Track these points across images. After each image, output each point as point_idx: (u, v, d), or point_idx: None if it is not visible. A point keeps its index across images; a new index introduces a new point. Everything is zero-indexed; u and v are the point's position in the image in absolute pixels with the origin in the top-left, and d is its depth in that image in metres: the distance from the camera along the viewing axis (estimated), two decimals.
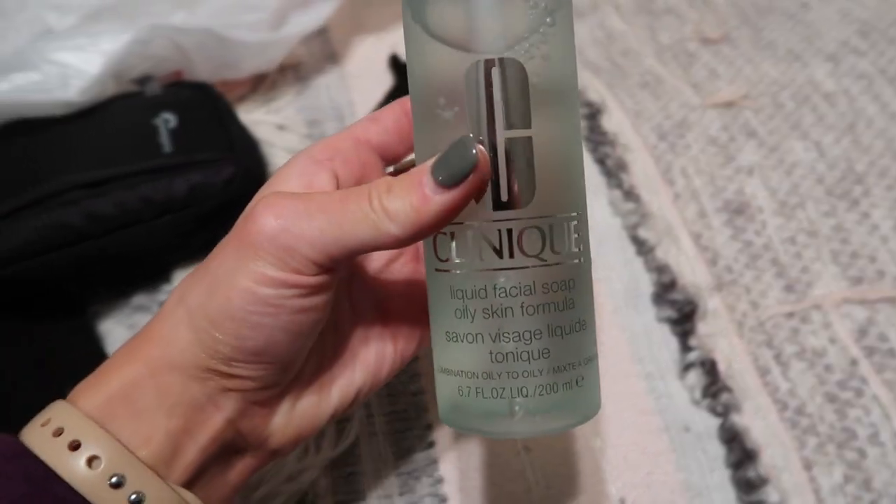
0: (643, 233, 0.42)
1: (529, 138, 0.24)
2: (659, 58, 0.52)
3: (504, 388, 0.24)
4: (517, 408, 0.24)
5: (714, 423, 0.36)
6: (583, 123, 0.47)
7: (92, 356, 0.42)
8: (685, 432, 0.35)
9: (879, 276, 0.39)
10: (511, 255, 0.24)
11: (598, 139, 0.46)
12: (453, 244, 0.25)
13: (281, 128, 0.49)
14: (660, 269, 0.40)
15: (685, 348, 0.38)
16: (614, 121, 0.47)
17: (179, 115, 0.41)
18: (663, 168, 0.45)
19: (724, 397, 0.36)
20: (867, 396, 0.36)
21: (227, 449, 0.26)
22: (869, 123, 0.46)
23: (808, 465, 0.34)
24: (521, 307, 0.24)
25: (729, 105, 0.47)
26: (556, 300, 0.24)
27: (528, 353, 0.24)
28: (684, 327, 0.38)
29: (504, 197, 0.24)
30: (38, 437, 0.23)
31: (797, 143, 0.45)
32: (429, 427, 0.37)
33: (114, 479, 0.23)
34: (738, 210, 0.42)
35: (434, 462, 0.36)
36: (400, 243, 0.24)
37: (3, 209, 0.38)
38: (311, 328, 0.25)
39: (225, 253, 0.25)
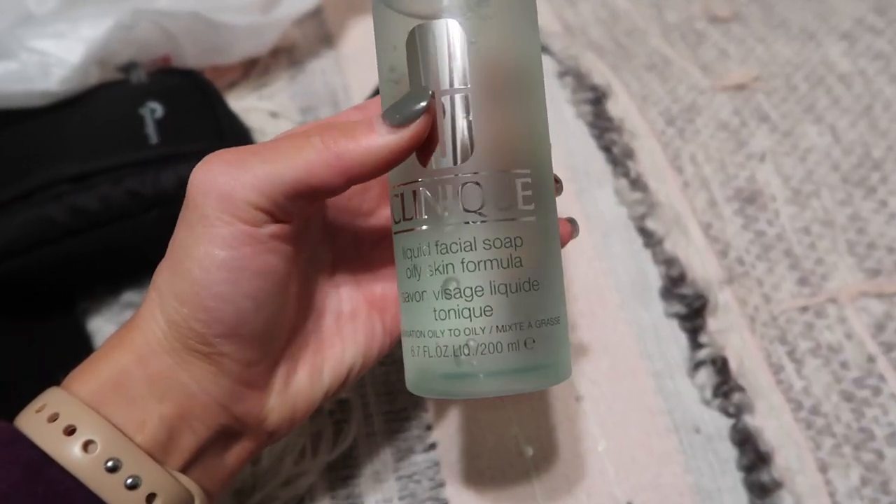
0: (651, 224, 0.40)
1: (466, 95, 0.24)
2: (666, 37, 0.50)
3: (447, 346, 0.24)
4: (462, 366, 0.24)
5: (725, 423, 0.34)
6: (588, 109, 0.45)
7: (81, 354, 0.41)
8: (695, 433, 0.34)
9: None
10: (449, 212, 0.24)
11: (604, 125, 0.44)
12: (403, 205, 0.25)
13: (274, 115, 0.48)
14: (668, 262, 0.39)
15: (695, 345, 0.36)
16: (620, 106, 0.45)
17: (166, 104, 0.40)
18: (671, 155, 0.43)
19: (736, 397, 0.35)
20: (885, 395, 0.34)
21: (223, 433, 0.26)
22: (886, 106, 0.44)
23: (823, 468, 0.33)
24: (462, 263, 0.24)
25: (740, 87, 0.45)
26: (499, 257, 0.24)
27: (468, 309, 0.24)
28: (694, 323, 0.37)
29: (443, 153, 0.24)
30: (33, 423, 0.23)
31: (811, 128, 0.43)
32: (429, 428, 0.36)
33: (110, 464, 0.23)
34: (749, 199, 0.41)
35: (435, 464, 0.35)
36: (339, 182, 0.24)
37: None
38: (275, 292, 0.25)
39: (178, 227, 0.25)
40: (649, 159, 0.43)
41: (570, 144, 0.44)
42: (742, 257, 0.39)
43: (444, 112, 0.24)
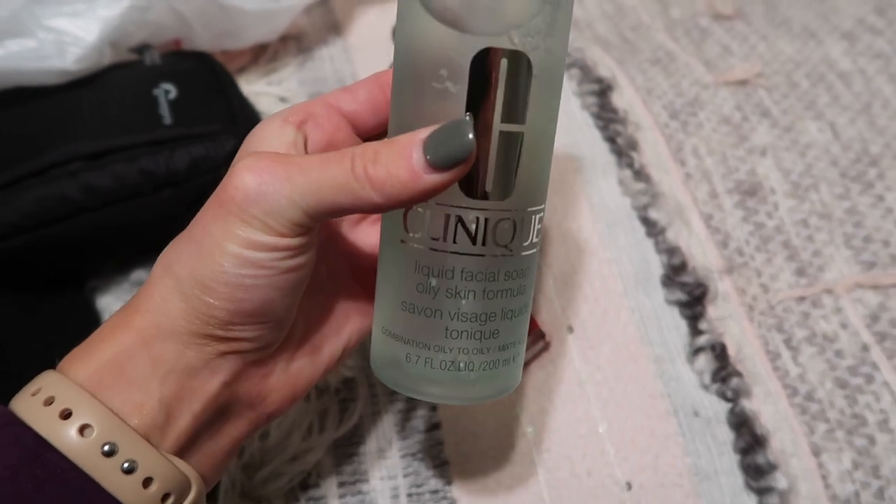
0: (653, 213, 0.41)
1: (521, 134, 0.24)
2: (670, 33, 0.51)
3: (454, 362, 0.25)
4: (461, 379, 0.26)
5: (723, 407, 0.35)
6: (593, 100, 0.46)
7: (89, 332, 0.41)
8: (694, 416, 0.35)
9: (893, 261, 0.39)
10: (483, 244, 0.25)
11: (609, 117, 0.45)
12: (427, 222, 0.25)
13: (283, 100, 0.48)
14: (670, 251, 0.40)
15: (695, 332, 0.37)
16: (625, 98, 0.46)
17: (180, 86, 0.40)
18: (674, 147, 0.44)
19: (734, 382, 0.35)
20: (877, 383, 0.35)
21: (221, 413, 0.26)
22: (885, 104, 0.45)
23: (816, 451, 0.34)
24: (483, 292, 0.25)
25: (742, 83, 0.46)
26: (512, 287, 0.25)
27: (480, 332, 0.25)
28: (694, 310, 0.38)
29: (487, 187, 0.24)
30: (29, 406, 0.23)
31: (811, 124, 0.44)
32: (434, 407, 0.36)
33: (106, 448, 0.23)
34: (750, 191, 0.42)
35: (439, 443, 0.35)
36: (376, 210, 0.24)
37: (1, 180, 0.37)
38: (300, 284, 0.26)
39: (207, 218, 0.24)
40: (653, 151, 0.43)
41: (575, 135, 0.45)
42: (742, 248, 0.40)
43: (497, 148, 0.24)
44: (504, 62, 0.23)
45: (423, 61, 0.24)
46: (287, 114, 0.27)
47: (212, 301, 0.24)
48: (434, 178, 0.23)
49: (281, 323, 0.26)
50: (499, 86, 0.23)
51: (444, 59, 0.23)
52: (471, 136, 0.22)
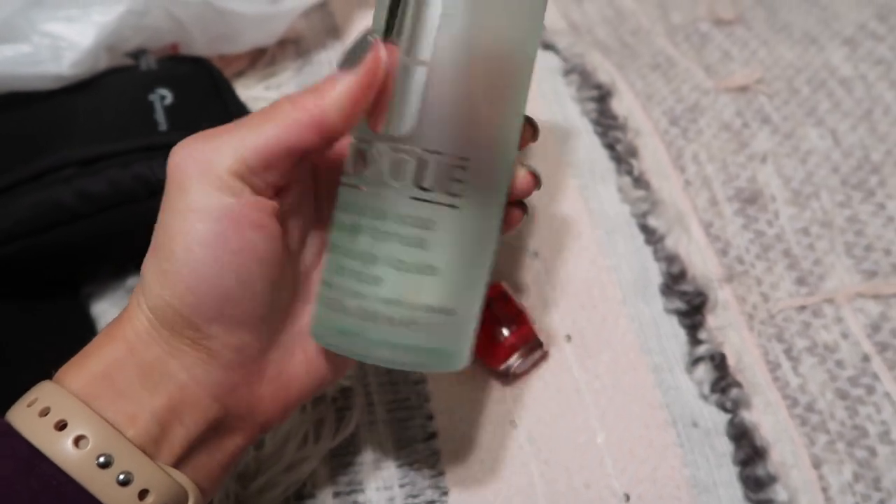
0: (653, 221, 0.41)
1: (423, 69, 0.24)
2: (671, 38, 0.50)
3: (336, 301, 0.25)
4: (344, 325, 0.25)
5: (723, 418, 0.35)
6: (592, 106, 0.46)
7: (85, 338, 0.41)
8: (693, 427, 0.35)
9: (894, 270, 0.38)
10: (371, 175, 0.24)
11: (608, 123, 0.45)
12: (347, 158, 0.26)
13: None
14: (669, 259, 0.39)
15: (694, 341, 0.37)
16: (625, 104, 0.45)
17: (176, 91, 0.40)
18: (674, 154, 0.43)
19: (734, 392, 0.35)
20: (879, 393, 0.35)
21: (214, 428, 0.26)
22: (886, 111, 0.44)
23: (817, 463, 0.33)
24: (370, 228, 0.24)
25: (743, 89, 0.46)
26: (404, 233, 0.24)
27: (363, 274, 0.25)
28: (693, 319, 0.37)
29: (384, 118, 0.24)
30: (25, 417, 0.23)
31: (812, 131, 0.44)
32: (430, 417, 0.36)
33: (101, 459, 0.22)
34: (750, 199, 0.41)
35: (436, 453, 0.35)
36: (316, 134, 0.24)
37: None
38: (260, 271, 0.25)
39: (161, 211, 0.25)
40: (652, 158, 0.43)
41: (574, 141, 0.44)
42: (742, 256, 0.40)
43: (402, 80, 0.24)
44: None
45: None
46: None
47: (169, 294, 0.24)
48: (350, 77, 0.24)
49: (251, 320, 0.25)
50: (404, 15, 0.24)
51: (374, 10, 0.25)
52: (370, 36, 0.24)
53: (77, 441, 0.22)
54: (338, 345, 0.26)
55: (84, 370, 0.24)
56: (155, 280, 0.24)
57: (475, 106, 0.25)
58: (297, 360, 0.28)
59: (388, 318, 0.25)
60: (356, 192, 0.25)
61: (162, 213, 0.25)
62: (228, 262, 0.24)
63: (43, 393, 0.24)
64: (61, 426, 0.23)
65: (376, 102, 0.25)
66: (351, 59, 0.25)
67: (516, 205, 0.28)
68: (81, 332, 0.40)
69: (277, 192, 0.25)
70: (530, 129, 0.28)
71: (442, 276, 0.25)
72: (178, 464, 0.25)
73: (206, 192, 0.23)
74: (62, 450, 0.22)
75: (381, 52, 0.24)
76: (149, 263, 0.25)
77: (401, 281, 0.24)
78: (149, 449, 0.24)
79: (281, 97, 0.25)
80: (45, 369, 0.25)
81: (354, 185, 0.25)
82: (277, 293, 0.26)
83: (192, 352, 0.25)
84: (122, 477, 0.22)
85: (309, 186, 0.28)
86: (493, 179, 0.26)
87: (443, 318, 0.25)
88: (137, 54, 0.42)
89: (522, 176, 0.28)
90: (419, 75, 0.24)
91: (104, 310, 0.41)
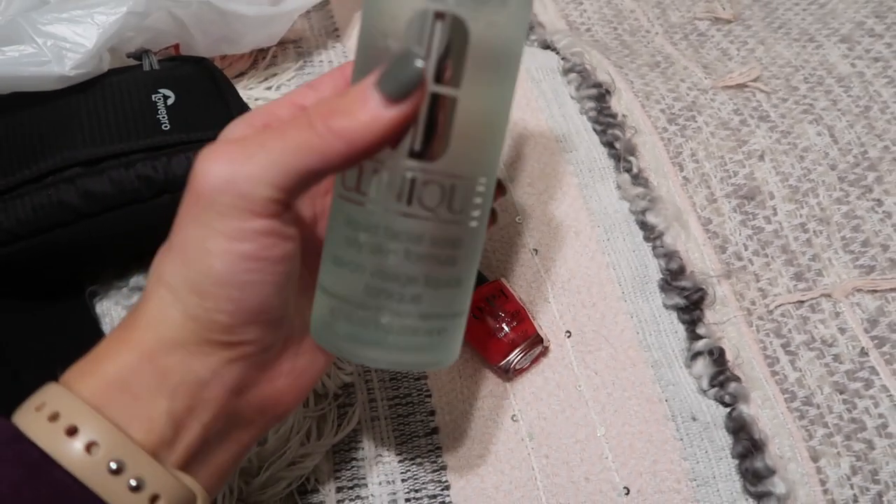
0: (652, 218, 0.41)
1: (455, 98, 0.24)
2: (669, 37, 0.51)
3: (371, 321, 0.25)
4: (379, 342, 0.26)
5: (721, 412, 0.35)
6: (592, 105, 0.46)
7: (89, 336, 0.41)
8: (692, 421, 0.35)
9: (891, 265, 0.38)
10: (409, 203, 0.25)
11: (607, 121, 0.45)
12: (361, 177, 0.25)
13: None
14: (668, 256, 0.40)
15: (693, 336, 0.37)
16: (623, 102, 0.46)
17: (178, 92, 0.40)
18: (673, 152, 0.44)
19: (732, 387, 0.35)
20: (876, 387, 0.35)
21: (230, 422, 0.26)
22: (883, 108, 0.45)
23: (815, 456, 0.34)
24: (405, 252, 0.25)
25: (741, 87, 0.46)
26: (438, 254, 0.25)
27: (401, 294, 0.25)
28: (692, 315, 0.38)
29: (417, 146, 0.24)
30: (33, 421, 0.23)
31: (810, 128, 0.44)
32: (432, 413, 0.36)
33: (113, 465, 0.22)
34: (748, 195, 0.42)
35: (437, 448, 0.35)
36: (346, 163, 0.23)
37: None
38: (291, 275, 0.25)
39: (185, 222, 0.24)
40: (651, 155, 0.43)
41: (573, 140, 0.45)
42: (740, 252, 0.40)
43: (428, 108, 0.24)
44: (437, 24, 0.24)
45: (372, 25, 0.25)
46: (250, 117, 0.27)
47: (210, 306, 0.24)
48: (394, 111, 0.23)
49: (279, 321, 0.26)
50: (431, 45, 0.24)
51: (388, 20, 0.24)
52: (418, 62, 0.23)
53: (88, 447, 0.22)
54: (351, 352, 0.26)
55: (96, 375, 0.24)
56: (190, 291, 0.24)
57: (494, 131, 0.26)
58: (306, 351, 0.28)
59: (424, 330, 0.26)
60: (384, 215, 0.25)
61: (189, 227, 0.24)
62: (270, 274, 0.24)
63: (51, 397, 0.23)
64: (72, 431, 0.22)
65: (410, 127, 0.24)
66: (391, 76, 0.23)
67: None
68: (85, 332, 0.40)
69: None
70: (500, 189, 0.30)
71: (463, 285, 0.27)
72: (190, 463, 0.24)
73: (245, 216, 0.23)
74: (73, 455, 0.22)
75: (428, 83, 0.23)
76: (176, 273, 0.24)
77: (437, 296, 0.26)
78: (161, 452, 0.23)
79: (313, 114, 0.23)
80: (50, 368, 0.25)
81: (382, 210, 0.25)
82: (293, 290, 0.26)
83: (220, 352, 0.25)
84: (133, 482, 0.22)
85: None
86: (492, 192, 0.27)
87: (458, 321, 0.27)
88: (140, 55, 0.42)
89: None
90: (452, 104, 0.24)
91: (108, 308, 0.41)
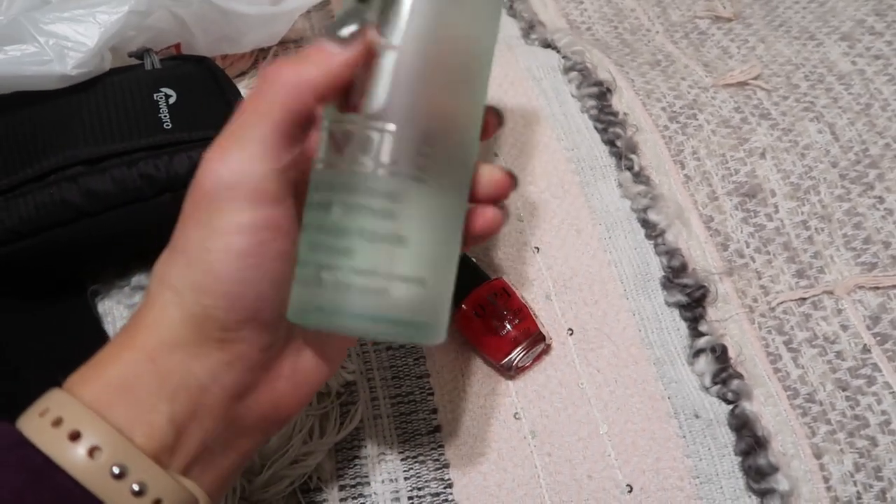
0: (653, 216, 0.41)
1: (395, 51, 0.25)
2: (670, 35, 0.51)
3: (311, 277, 0.25)
4: (321, 301, 0.25)
5: (724, 409, 0.35)
6: (593, 103, 0.46)
7: (91, 336, 0.41)
8: (695, 418, 0.35)
9: (893, 262, 0.38)
10: (341, 154, 0.25)
11: (609, 119, 0.45)
12: (319, 145, 0.26)
13: None
14: (670, 253, 0.40)
15: (695, 333, 0.37)
16: (625, 101, 0.46)
17: (180, 91, 0.40)
18: (674, 150, 0.44)
19: (735, 384, 0.35)
20: (879, 384, 0.35)
21: (232, 428, 0.26)
22: (884, 105, 0.45)
23: (818, 453, 0.34)
24: (340, 203, 0.25)
25: (742, 85, 0.46)
26: (374, 205, 0.25)
27: (335, 247, 0.25)
28: (694, 312, 0.38)
29: (354, 97, 0.25)
30: (37, 426, 0.23)
31: (811, 125, 0.44)
32: (434, 411, 0.36)
33: (116, 470, 0.22)
34: (749, 193, 0.42)
35: (440, 446, 0.35)
36: (318, 102, 0.25)
37: (2, 185, 0.37)
38: (287, 273, 0.26)
39: (188, 225, 0.25)
40: (652, 153, 0.43)
41: (574, 138, 0.45)
42: (742, 250, 0.40)
43: (374, 62, 0.25)
44: None
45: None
46: None
47: (207, 303, 0.24)
48: (343, 53, 0.24)
49: (276, 321, 0.26)
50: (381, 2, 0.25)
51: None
52: (362, 11, 0.25)
53: (91, 451, 0.22)
54: (317, 322, 0.26)
55: (99, 379, 0.24)
56: (190, 289, 0.24)
57: (438, 88, 0.26)
58: (308, 354, 0.28)
59: (361, 288, 0.25)
60: (327, 171, 0.26)
61: (190, 228, 0.25)
62: (268, 270, 0.25)
63: (54, 402, 0.23)
64: (74, 436, 0.22)
65: (350, 83, 0.26)
66: (338, 24, 0.25)
67: (495, 206, 0.29)
68: (86, 331, 0.40)
69: (293, 193, 0.26)
70: (495, 117, 0.29)
71: (411, 247, 0.26)
72: (192, 467, 0.25)
73: (244, 206, 0.24)
74: (76, 460, 0.22)
75: (375, 38, 0.25)
76: (178, 272, 0.24)
77: (372, 251, 0.25)
78: (163, 457, 0.24)
79: (267, 72, 0.25)
80: (51, 367, 0.25)
81: (326, 167, 0.26)
82: (289, 290, 0.26)
83: (218, 354, 0.25)
84: (136, 487, 0.22)
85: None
86: (455, 158, 0.27)
87: (415, 288, 0.26)
88: (141, 54, 0.42)
89: (499, 177, 0.28)
90: (390, 58, 0.25)
91: (110, 307, 0.41)
